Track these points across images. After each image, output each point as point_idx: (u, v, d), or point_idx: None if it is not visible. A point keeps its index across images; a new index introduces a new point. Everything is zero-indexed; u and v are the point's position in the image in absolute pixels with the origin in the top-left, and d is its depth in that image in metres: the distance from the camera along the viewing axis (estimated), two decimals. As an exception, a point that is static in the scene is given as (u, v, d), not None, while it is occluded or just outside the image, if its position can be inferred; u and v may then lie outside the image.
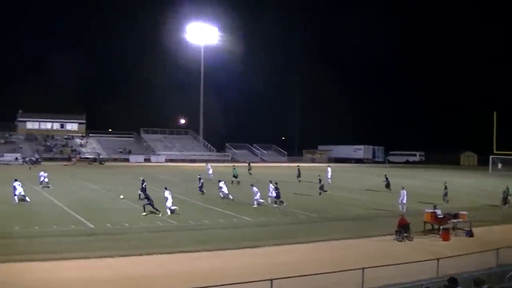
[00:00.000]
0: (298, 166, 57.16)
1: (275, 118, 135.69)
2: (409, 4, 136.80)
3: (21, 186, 33.76)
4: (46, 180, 41.39)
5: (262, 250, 21.79)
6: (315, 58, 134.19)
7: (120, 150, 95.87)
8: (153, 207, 29.58)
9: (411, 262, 17.22)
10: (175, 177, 43.54)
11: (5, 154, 79.25)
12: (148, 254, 20.39)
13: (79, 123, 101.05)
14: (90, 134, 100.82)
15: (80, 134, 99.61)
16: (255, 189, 34.49)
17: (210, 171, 51.86)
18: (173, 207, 30.01)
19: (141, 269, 18.46)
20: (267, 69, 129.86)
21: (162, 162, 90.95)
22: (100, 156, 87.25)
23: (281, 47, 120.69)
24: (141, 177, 38.58)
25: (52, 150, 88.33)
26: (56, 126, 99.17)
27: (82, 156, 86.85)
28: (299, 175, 52.63)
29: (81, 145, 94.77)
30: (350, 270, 15.23)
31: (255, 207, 33.56)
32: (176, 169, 71.09)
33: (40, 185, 40.57)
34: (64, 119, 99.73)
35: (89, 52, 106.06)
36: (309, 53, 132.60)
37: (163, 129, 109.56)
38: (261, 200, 34.40)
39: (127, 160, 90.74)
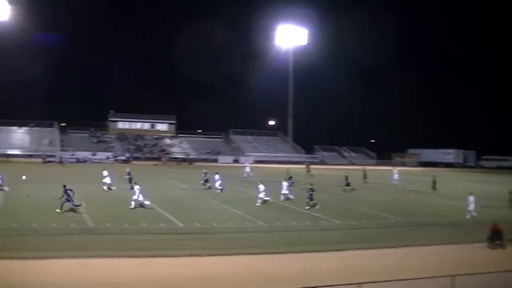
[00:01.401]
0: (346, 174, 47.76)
1: (364, 120, 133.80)
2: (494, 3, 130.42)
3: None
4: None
5: (350, 254, 21.70)
6: (405, 59, 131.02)
7: (209, 150, 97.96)
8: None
9: (506, 271, 16.46)
10: (262, 177, 44.20)
11: (97, 153, 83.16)
12: (236, 254, 20.82)
13: (169, 123, 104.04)
14: (180, 135, 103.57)
15: (170, 134, 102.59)
16: (261, 186, 34.86)
17: (247, 169, 53.01)
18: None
19: (228, 269, 18.90)
20: (356, 71, 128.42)
21: (251, 163, 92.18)
22: (189, 156, 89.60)
23: (369, 48, 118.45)
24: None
25: (142, 150, 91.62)
26: (147, 126, 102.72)
27: (172, 156, 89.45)
28: (347, 184, 45.72)
29: (170, 145, 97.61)
30: (440, 276, 14.85)
31: (257, 205, 33.93)
32: (263, 170, 71.76)
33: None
34: (155, 120, 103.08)
35: (179, 53, 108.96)
36: (398, 53, 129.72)
37: (252, 130, 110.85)
38: (266, 198, 34.75)
39: (215, 160, 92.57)
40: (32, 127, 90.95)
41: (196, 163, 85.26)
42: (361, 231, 26.99)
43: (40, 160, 73.25)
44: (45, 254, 19.40)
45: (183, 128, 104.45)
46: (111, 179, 39.78)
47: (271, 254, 21.09)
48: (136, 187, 32.27)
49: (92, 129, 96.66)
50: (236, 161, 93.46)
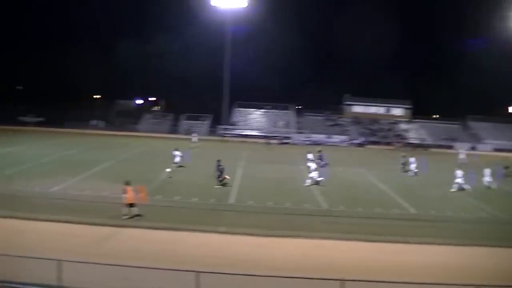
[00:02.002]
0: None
1: None
2: None
3: (180, 156, 39.34)
4: (178, 159, 40.13)
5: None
6: None
7: (445, 137, 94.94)
8: None
9: None
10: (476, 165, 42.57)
11: (333, 136, 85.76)
12: (466, 245, 20.68)
13: (405, 108, 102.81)
14: (415, 120, 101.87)
15: (405, 119, 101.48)
16: (458, 172, 34.63)
17: (462, 156, 50.19)
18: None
19: (460, 260, 18.89)
20: None
21: (489, 151, 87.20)
22: (425, 142, 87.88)
23: None
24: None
25: (377, 134, 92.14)
26: (382, 110, 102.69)
27: (407, 142, 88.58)
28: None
29: (405, 130, 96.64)
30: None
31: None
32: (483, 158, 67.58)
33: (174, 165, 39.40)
34: (390, 104, 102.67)
35: (414, 36, 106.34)
36: None
37: (493, 117, 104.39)
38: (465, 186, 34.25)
39: (450, 147, 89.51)
40: (269, 109, 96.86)
41: (432, 149, 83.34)
42: None
43: (275, 142, 77.74)
44: (283, 232, 21.41)
45: (418, 113, 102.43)
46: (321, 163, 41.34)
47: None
48: (313, 166, 35.26)
49: (327, 112, 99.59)
50: (473, 148, 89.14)
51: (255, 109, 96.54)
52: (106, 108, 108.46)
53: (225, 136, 79.38)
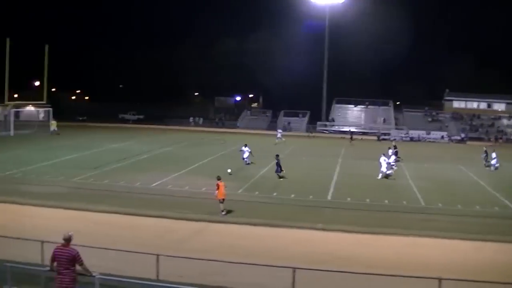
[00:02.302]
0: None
1: None
2: None
3: (249, 152, 39.30)
4: (246, 156, 39.95)
5: None
6: None
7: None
8: None
9: None
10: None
11: (432, 132, 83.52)
12: None
13: (507, 103, 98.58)
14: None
15: (508, 115, 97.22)
16: None
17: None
18: None
19: None
20: None
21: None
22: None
23: None
24: None
25: (478, 130, 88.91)
26: (483, 105, 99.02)
27: (508, 137, 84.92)
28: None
29: (508, 126, 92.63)
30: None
31: None
32: None
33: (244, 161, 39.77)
34: (492, 99, 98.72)
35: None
36: None
37: None
38: None
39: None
40: (368, 105, 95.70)
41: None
42: None
43: (374, 137, 76.75)
44: (380, 230, 21.30)
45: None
46: None
47: None
48: (383, 159, 35.07)
49: (426, 108, 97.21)
50: None
51: (353, 105, 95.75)
52: (205, 105, 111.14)
53: (311, 133, 79.07)
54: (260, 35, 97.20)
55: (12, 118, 62.21)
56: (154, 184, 30.07)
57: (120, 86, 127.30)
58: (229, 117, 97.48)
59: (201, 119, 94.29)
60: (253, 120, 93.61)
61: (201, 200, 25.75)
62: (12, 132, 59.78)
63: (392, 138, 71.55)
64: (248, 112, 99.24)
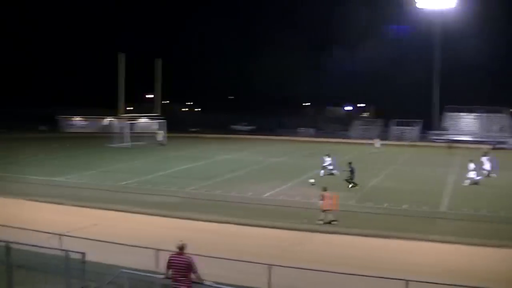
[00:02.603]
0: None
1: None
2: None
3: (330, 161, 38.62)
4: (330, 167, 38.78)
5: None
6: None
7: None
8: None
9: None
10: None
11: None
12: None
13: None
14: None
15: None
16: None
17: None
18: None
19: None
20: None
21: None
22: None
23: None
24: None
25: None
26: None
27: None
28: None
29: None
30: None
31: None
32: None
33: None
34: None
35: None
36: None
37: None
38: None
39: None
40: (482, 113, 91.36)
41: None
42: None
43: (489, 146, 73.05)
44: (497, 242, 20.13)
45: None
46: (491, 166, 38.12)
47: None
48: (472, 166, 34.64)
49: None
50: None
51: (466, 113, 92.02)
52: (316, 115, 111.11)
53: (411, 141, 76.63)
54: (370, 43, 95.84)
55: (128, 130, 65.20)
56: (265, 195, 30.20)
57: (231, 97, 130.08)
58: (340, 127, 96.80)
59: (312, 129, 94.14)
60: (364, 129, 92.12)
61: (312, 211, 25.52)
62: (128, 144, 62.55)
63: (492, 145, 67.99)
64: (359, 121, 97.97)
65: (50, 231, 16.83)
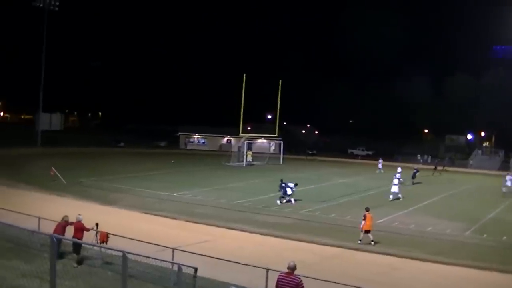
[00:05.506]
0: None
1: None
2: None
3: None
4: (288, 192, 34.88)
5: None
6: None
7: None
8: None
9: None
10: None
11: None
12: None
13: None
14: None
15: None
16: None
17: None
18: None
19: None
20: None
21: None
22: None
23: None
24: None
25: None
26: None
27: None
28: None
29: None
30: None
31: None
32: None
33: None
34: None
35: None
36: None
37: None
38: None
39: None
40: None
41: None
42: None
43: None
44: None
45: None
46: None
47: None
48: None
49: None
50: None
51: None
52: (435, 142, 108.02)
53: None
54: (493, 71, 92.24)
55: (245, 150, 66.39)
56: (380, 221, 29.38)
57: (350, 121, 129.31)
58: (459, 156, 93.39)
59: (430, 157, 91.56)
60: (485, 159, 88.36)
61: (426, 240, 24.58)
62: (243, 163, 64.03)
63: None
64: (480, 151, 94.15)
65: (163, 244, 17.39)
